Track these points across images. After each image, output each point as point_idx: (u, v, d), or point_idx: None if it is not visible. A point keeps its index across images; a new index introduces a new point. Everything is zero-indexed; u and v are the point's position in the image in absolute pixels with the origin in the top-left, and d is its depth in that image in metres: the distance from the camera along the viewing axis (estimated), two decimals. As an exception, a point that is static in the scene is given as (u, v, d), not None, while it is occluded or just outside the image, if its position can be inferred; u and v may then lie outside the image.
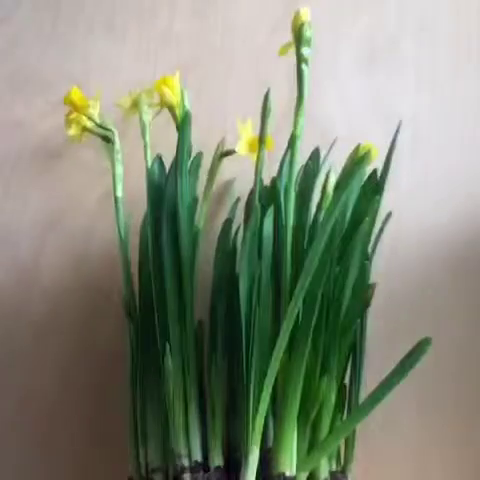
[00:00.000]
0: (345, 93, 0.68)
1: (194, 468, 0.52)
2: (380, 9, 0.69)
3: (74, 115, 0.63)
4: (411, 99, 0.67)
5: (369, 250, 0.55)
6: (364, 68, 0.68)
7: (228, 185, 0.65)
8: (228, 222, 0.59)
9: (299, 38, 0.51)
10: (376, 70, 0.68)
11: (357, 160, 0.55)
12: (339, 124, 0.66)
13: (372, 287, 0.55)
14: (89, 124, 0.63)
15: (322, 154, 0.59)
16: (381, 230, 0.56)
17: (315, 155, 0.58)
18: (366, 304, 0.55)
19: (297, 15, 0.51)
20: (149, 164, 0.58)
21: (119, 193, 0.61)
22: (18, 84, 0.68)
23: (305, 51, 0.51)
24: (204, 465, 0.52)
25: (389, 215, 0.57)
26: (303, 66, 0.51)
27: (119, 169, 0.62)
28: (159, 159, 0.57)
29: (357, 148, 0.57)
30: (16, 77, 0.68)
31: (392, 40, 0.69)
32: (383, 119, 0.66)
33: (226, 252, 0.58)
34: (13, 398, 0.63)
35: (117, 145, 0.62)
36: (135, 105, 0.61)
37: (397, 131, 0.54)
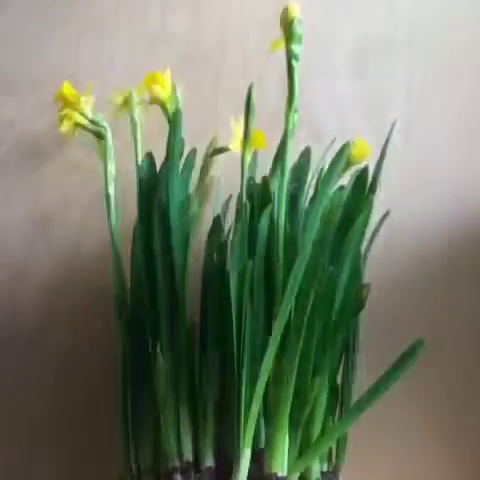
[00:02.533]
0: (337, 93, 0.67)
1: (185, 469, 0.52)
2: (373, 9, 0.69)
3: (66, 111, 0.62)
4: (402, 98, 0.67)
5: (363, 249, 0.55)
6: (356, 67, 0.68)
7: (220, 182, 0.64)
8: (217, 219, 0.58)
9: (289, 34, 0.51)
10: (368, 69, 0.68)
11: (340, 153, 0.55)
12: (331, 124, 0.66)
13: (367, 288, 0.54)
14: (81, 120, 0.62)
15: (315, 155, 0.59)
16: (377, 229, 0.56)
17: (306, 153, 0.57)
18: (361, 304, 0.54)
19: (286, 11, 0.50)
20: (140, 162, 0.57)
21: (111, 191, 0.60)
22: (8, 83, 0.67)
23: (295, 47, 0.51)
24: (195, 465, 0.52)
25: (386, 214, 0.56)
26: (293, 62, 0.51)
27: (111, 166, 0.61)
28: (149, 156, 0.57)
29: (346, 144, 0.57)
30: (6, 76, 0.67)
31: (384, 39, 0.69)
32: (375, 118, 0.66)
33: (215, 249, 0.57)
34: (6, 397, 0.63)
35: (109, 141, 0.62)
36: (126, 103, 0.61)
37: (391, 132, 0.54)
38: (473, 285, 0.63)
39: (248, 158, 0.55)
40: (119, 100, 0.62)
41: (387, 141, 0.54)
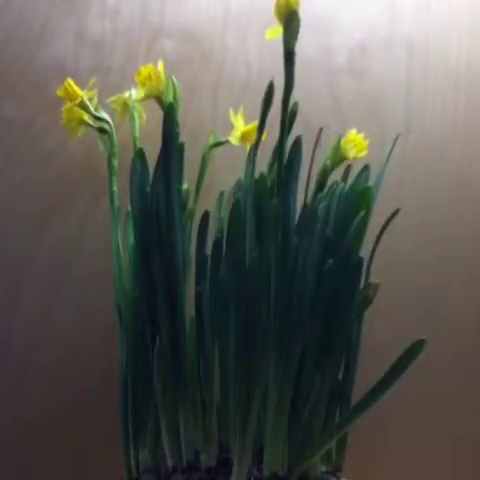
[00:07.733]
0: (337, 91, 0.67)
1: (185, 468, 0.52)
2: (374, 10, 0.69)
3: (70, 108, 0.62)
4: (403, 96, 0.67)
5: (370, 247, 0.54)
6: (356, 65, 0.68)
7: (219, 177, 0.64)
8: (206, 215, 0.58)
9: (286, 27, 0.50)
10: (368, 67, 0.68)
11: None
12: (332, 122, 0.65)
13: (375, 286, 0.53)
14: (85, 116, 0.62)
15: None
16: (385, 226, 0.55)
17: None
18: (368, 302, 0.53)
19: (283, 4, 0.49)
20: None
21: (115, 188, 0.60)
22: (9, 83, 0.67)
23: (292, 40, 0.50)
24: (195, 465, 0.52)
25: (397, 211, 0.55)
26: (290, 55, 0.50)
27: (115, 162, 0.61)
28: (141, 154, 0.56)
29: (340, 138, 0.56)
30: (7, 76, 0.67)
31: (385, 38, 0.69)
32: (375, 118, 0.65)
33: (205, 244, 0.57)
34: (6, 397, 0.63)
35: (114, 137, 0.61)
36: (126, 103, 0.61)
37: (393, 146, 0.54)
38: (472, 286, 0.62)
39: (256, 153, 0.54)
40: (120, 100, 0.61)
41: (387, 159, 0.54)
